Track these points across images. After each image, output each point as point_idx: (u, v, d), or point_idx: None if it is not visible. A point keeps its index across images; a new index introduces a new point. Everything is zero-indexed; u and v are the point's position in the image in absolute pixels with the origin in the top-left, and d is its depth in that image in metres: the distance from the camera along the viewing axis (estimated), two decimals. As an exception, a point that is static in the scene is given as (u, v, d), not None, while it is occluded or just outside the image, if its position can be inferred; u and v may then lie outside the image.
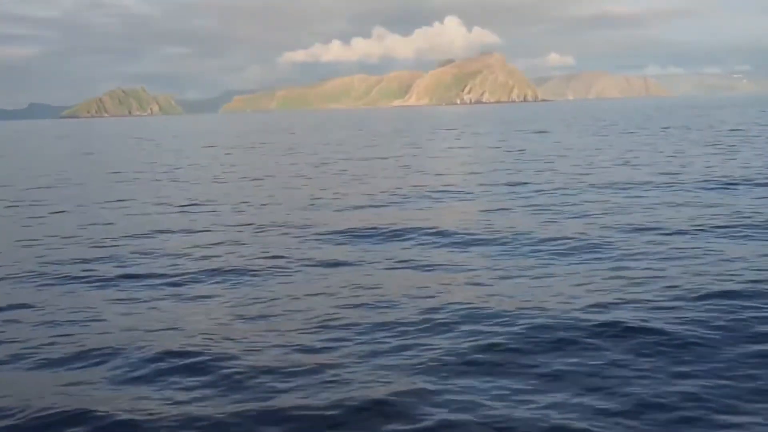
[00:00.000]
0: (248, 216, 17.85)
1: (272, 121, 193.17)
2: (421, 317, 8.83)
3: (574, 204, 17.94)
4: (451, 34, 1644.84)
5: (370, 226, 15.27)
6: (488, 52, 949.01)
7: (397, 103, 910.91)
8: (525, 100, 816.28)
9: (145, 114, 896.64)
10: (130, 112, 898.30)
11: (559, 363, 7.34)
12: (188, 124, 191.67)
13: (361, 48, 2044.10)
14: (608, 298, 9.29)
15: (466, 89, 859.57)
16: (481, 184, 22.63)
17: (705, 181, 21.24)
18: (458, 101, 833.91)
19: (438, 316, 8.84)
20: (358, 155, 39.24)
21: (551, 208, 17.43)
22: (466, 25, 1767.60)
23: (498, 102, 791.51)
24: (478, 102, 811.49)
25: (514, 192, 20.82)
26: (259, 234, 15.23)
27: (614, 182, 21.86)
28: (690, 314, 8.57)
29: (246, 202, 20.35)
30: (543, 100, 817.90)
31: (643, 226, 14.34)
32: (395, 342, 8.05)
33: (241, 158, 41.03)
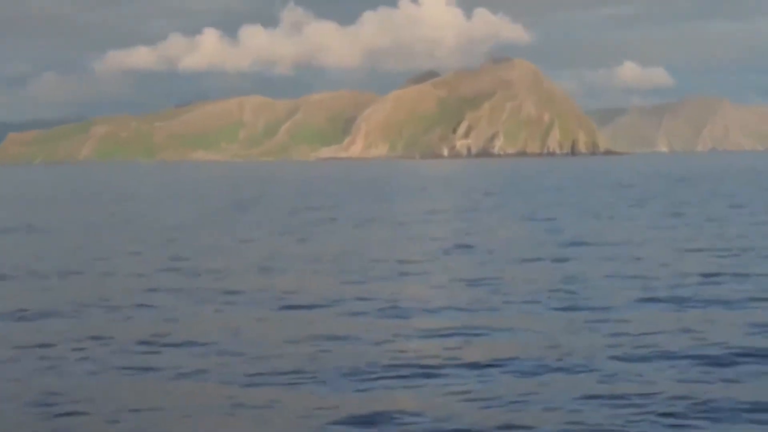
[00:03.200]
0: None
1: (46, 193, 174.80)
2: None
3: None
4: (434, 21, 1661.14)
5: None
6: (505, 57, 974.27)
7: (326, 152, 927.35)
8: (574, 151, 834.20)
9: None
10: None
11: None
12: None
13: (260, 45, 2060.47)
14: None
15: (462, 128, 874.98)
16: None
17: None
18: (445, 151, 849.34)
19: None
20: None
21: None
22: (461, 5, 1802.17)
23: (522, 154, 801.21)
24: (485, 153, 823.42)
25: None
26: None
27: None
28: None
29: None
30: (609, 152, 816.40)
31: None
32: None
33: None
